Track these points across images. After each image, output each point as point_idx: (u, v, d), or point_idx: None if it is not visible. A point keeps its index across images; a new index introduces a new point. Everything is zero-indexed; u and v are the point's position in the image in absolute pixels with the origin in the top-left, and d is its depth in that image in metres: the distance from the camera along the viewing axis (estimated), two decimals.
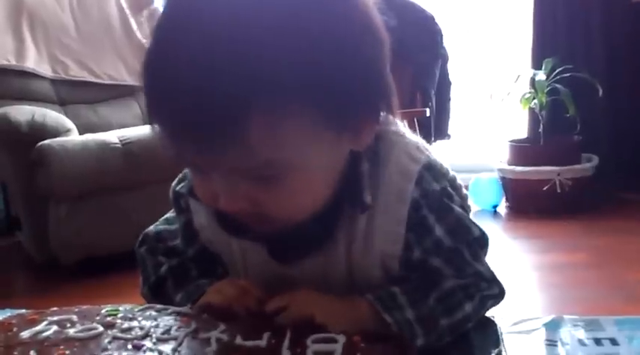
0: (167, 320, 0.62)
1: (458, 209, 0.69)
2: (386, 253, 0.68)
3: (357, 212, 0.65)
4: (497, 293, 0.70)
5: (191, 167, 0.62)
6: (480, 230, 0.70)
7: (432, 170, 0.68)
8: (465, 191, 0.77)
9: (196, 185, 0.63)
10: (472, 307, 0.66)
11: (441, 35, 3.22)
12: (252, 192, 0.58)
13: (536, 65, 3.17)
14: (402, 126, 0.71)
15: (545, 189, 2.96)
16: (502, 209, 3.22)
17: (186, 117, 0.54)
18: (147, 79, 0.57)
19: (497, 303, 0.71)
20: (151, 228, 0.80)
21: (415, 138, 0.71)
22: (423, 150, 0.70)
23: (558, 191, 2.95)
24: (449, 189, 0.70)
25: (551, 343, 0.69)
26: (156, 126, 0.59)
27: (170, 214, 0.80)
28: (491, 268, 0.70)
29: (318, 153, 0.59)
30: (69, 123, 2.71)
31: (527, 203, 3.07)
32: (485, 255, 0.71)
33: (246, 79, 0.52)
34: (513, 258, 2.46)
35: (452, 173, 0.74)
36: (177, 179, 0.77)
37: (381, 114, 0.63)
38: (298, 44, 0.53)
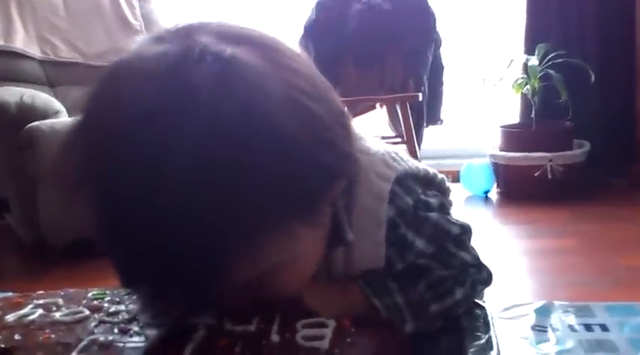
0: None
1: (434, 215, 0.67)
2: (368, 270, 0.66)
3: (337, 248, 0.64)
4: (485, 278, 0.69)
5: None
6: (460, 226, 0.68)
7: (403, 183, 0.67)
8: (447, 184, 0.75)
9: None
10: (463, 292, 0.66)
11: (435, 19, 3.20)
12: (244, 290, 0.54)
13: (529, 50, 3.16)
14: (365, 139, 0.68)
15: (536, 174, 2.96)
16: (493, 194, 3.22)
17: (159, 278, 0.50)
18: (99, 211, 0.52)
19: (487, 287, 0.70)
20: None
21: (381, 148, 0.68)
22: (391, 162, 0.67)
23: (550, 177, 2.95)
24: (422, 197, 0.68)
25: (542, 329, 0.69)
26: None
27: None
28: (477, 253, 0.70)
29: (305, 244, 0.56)
30: (58, 105, 2.68)
31: (519, 189, 3.07)
32: (469, 241, 0.70)
33: (216, 232, 0.47)
34: (504, 243, 2.47)
35: (425, 170, 0.71)
36: None
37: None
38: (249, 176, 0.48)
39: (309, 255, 0.59)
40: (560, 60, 2.96)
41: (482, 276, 0.68)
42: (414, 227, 0.66)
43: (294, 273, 0.58)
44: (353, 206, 0.63)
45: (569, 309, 0.73)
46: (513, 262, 2.26)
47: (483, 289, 0.70)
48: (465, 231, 0.69)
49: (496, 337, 0.57)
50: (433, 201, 0.69)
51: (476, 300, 0.66)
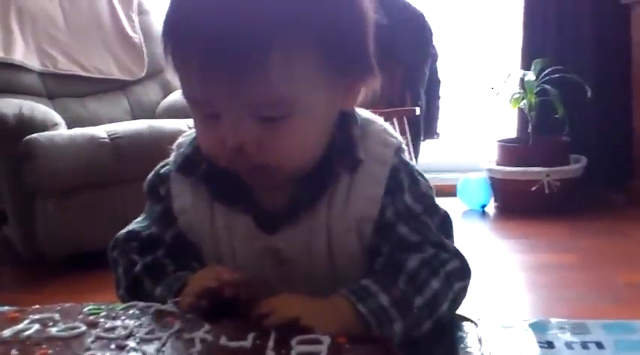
0: (150, 320, 0.62)
1: (425, 184, 0.75)
2: (362, 217, 0.72)
3: (347, 170, 0.71)
4: (459, 267, 0.71)
5: (204, 113, 0.67)
6: (445, 211, 0.76)
7: (403, 149, 0.77)
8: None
9: (203, 137, 0.69)
10: (439, 283, 0.68)
11: (431, 34, 3.22)
12: (257, 131, 0.64)
13: (526, 65, 3.18)
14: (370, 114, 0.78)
15: (533, 189, 2.97)
16: (490, 209, 3.23)
17: (212, 48, 0.61)
18: (172, 19, 0.65)
19: (466, 283, 0.72)
20: (121, 231, 0.80)
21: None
22: (394, 134, 0.77)
23: (547, 191, 2.96)
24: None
25: (540, 345, 0.69)
26: (178, 72, 0.67)
27: (140, 217, 0.81)
28: (454, 243, 0.74)
29: (318, 98, 0.66)
30: (57, 117, 2.69)
31: (516, 203, 3.08)
32: (450, 231, 0.76)
33: (269, 17, 0.60)
34: (501, 258, 2.47)
35: None
36: (153, 171, 0.80)
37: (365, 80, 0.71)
38: None
39: (316, 124, 0.67)
40: (557, 75, 2.97)
41: (454, 265, 0.70)
42: (410, 179, 0.73)
43: (301, 129, 0.65)
44: (363, 145, 0.71)
45: (566, 326, 0.74)
46: (510, 277, 2.25)
47: (463, 286, 0.71)
48: (449, 216, 0.76)
49: (489, 354, 0.57)
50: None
51: (470, 318, 0.66)
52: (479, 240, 2.67)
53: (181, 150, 0.76)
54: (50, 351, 0.56)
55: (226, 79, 0.62)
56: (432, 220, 0.73)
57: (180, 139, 0.78)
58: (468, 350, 0.59)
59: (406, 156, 0.76)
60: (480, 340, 0.60)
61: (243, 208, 0.73)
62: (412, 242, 0.71)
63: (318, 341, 0.55)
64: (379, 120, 0.77)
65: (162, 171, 0.78)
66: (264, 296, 0.65)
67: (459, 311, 0.72)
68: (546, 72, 3.01)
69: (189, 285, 0.69)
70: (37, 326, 0.62)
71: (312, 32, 0.63)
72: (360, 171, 0.71)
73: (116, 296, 0.78)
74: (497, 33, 3.59)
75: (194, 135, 0.75)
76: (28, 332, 0.60)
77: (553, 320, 0.75)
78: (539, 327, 0.73)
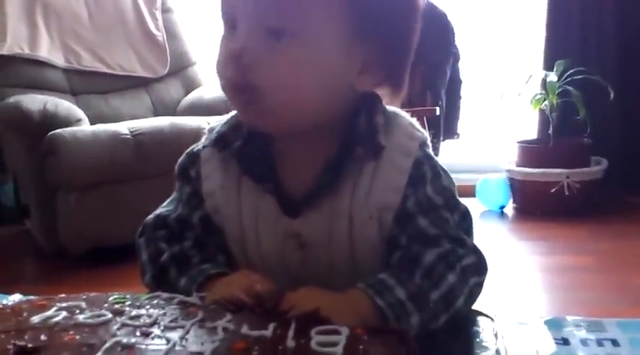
0: (174, 309, 0.63)
1: (447, 180, 0.77)
2: (384, 205, 0.73)
3: (370, 156, 0.72)
4: (476, 263, 0.72)
5: (226, 28, 0.71)
6: (466, 206, 0.78)
7: (427, 144, 0.78)
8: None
9: (219, 54, 0.71)
10: (455, 277, 0.69)
11: (454, 33, 3.21)
12: (260, 44, 0.67)
13: (548, 66, 3.16)
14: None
15: (553, 191, 2.96)
16: (509, 210, 3.22)
17: None
18: None
19: (481, 278, 0.72)
20: (149, 216, 0.82)
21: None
22: (420, 128, 0.78)
23: (566, 193, 2.94)
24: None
25: (555, 342, 0.70)
26: None
27: (168, 199, 0.83)
28: (472, 239, 0.76)
29: (328, 40, 0.68)
30: (80, 113, 2.73)
31: (535, 205, 3.06)
32: (470, 227, 0.78)
33: None
34: (519, 259, 2.46)
35: None
36: (185, 153, 0.82)
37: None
38: None
39: (318, 58, 0.68)
40: (579, 76, 2.95)
41: (471, 260, 0.71)
42: (433, 172, 0.75)
43: (304, 58, 0.67)
44: (388, 136, 0.73)
45: (581, 324, 0.74)
46: (528, 278, 2.25)
47: (479, 281, 0.72)
48: (469, 213, 0.77)
49: (505, 349, 0.58)
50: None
51: (486, 313, 0.67)
52: (497, 240, 2.66)
53: (215, 129, 0.78)
54: (77, 337, 0.58)
55: None
56: (451, 215, 0.74)
57: (212, 124, 0.80)
58: (484, 344, 0.60)
59: (430, 150, 0.77)
60: (495, 335, 0.61)
61: (269, 188, 0.75)
62: (430, 235, 0.72)
63: (337, 332, 0.56)
64: (406, 115, 0.79)
65: (194, 150, 0.81)
66: (285, 288, 0.66)
67: (475, 307, 0.73)
68: (569, 73, 2.99)
69: (219, 285, 0.69)
70: (64, 314, 0.63)
71: None
72: (384, 161, 0.73)
73: (136, 289, 0.79)
74: (519, 33, 3.58)
75: (230, 116, 0.78)
76: (55, 319, 0.62)
77: (569, 318, 0.75)
78: (555, 324, 0.74)
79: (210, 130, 0.79)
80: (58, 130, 2.50)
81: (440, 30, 3.13)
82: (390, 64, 0.73)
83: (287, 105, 0.69)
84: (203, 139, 0.80)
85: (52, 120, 2.55)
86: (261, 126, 0.72)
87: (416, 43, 0.75)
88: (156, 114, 3.10)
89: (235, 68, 0.68)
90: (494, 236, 2.75)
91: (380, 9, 0.70)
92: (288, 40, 0.67)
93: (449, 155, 3.35)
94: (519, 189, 3.13)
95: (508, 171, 3.16)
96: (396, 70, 0.74)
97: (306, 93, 0.69)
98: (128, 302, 0.66)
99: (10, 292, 0.85)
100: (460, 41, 3.25)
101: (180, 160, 0.82)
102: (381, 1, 0.71)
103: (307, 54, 0.67)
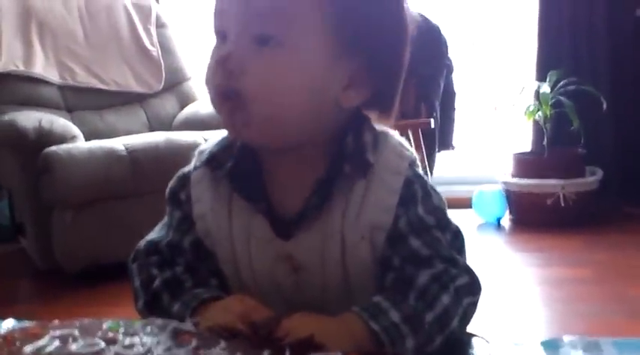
0: (168, 337, 0.63)
1: (437, 199, 0.76)
2: (376, 225, 0.73)
3: (358, 173, 0.72)
4: (469, 283, 0.71)
5: (218, 38, 0.73)
6: (457, 226, 0.77)
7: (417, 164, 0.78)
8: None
9: (209, 63, 0.72)
10: (449, 298, 0.68)
11: (447, 46, 3.23)
12: (247, 51, 0.68)
13: (541, 77, 3.18)
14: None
15: (549, 202, 2.96)
16: (506, 222, 3.22)
17: None
18: None
19: (475, 298, 0.72)
20: (141, 242, 0.82)
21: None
22: (409, 148, 0.78)
23: (562, 204, 2.95)
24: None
25: None
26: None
27: (160, 224, 0.83)
28: (465, 259, 0.75)
29: (314, 51, 0.69)
30: (75, 130, 2.72)
31: (531, 216, 3.07)
32: (462, 247, 0.77)
33: None
34: (516, 271, 2.46)
35: None
36: (174, 177, 0.82)
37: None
38: None
39: (303, 67, 0.69)
40: (572, 87, 2.97)
41: (464, 281, 0.71)
42: (424, 192, 0.74)
43: (281, 67, 0.68)
44: (377, 155, 0.74)
45: (578, 345, 0.74)
46: (526, 291, 2.25)
47: (472, 301, 0.71)
48: (461, 233, 0.77)
49: None
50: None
51: (482, 336, 0.67)
52: (494, 252, 2.66)
53: (206, 151, 0.78)
54: None
55: None
56: (443, 235, 0.74)
57: (202, 146, 0.80)
58: None
59: (420, 170, 0.77)
60: None
61: (261, 207, 0.74)
62: (423, 256, 0.71)
63: None
64: (395, 134, 0.79)
65: (184, 173, 0.81)
66: (280, 312, 0.66)
67: (471, 328, 0.73)
68: (561, 84, 3.01)
69: (213, 310, 0.69)
70: (57, 343, 0.63)
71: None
72: (374, 180, 0.73)
73: (132, 309, 0.79)
74: (512, 45, 3.60)
75: (221, 138, 0.78)
76: (49, 349, 0.61)
77: (565, 339, 0.75)
78: (551, 345, 0.73)
79: (201, 152, 0.79)
80: (52, 147, 2.49)
81: (433, 43, 3.15)
82: (377, 80, 0.73)
83: (272, 113, 0.69)
84: (193, 161, 0.80)
85: (47, 138, 2.54)
86: (247, 137, 0.73)
87: (406, 62, 0.75)
88: (151, 129, 3.10)
89: (222, 73, 0.69)
90: (491, 248, 2.75)
91: (368, 24, 0.71)
92: (274, 47, 0.68)
93: (444, 167, 3.35)
94: (515, 200, 3.14)
95: (504, 182, 3.16)
96: (384, 87, 0.75)
97: (291, 101, 0.69)
98: (122, 330, 0.66)
99: (4, 315, 0.84)
100: (453, 53, 3.27)
101: (170, 184, 0.82)
102: (368, 17, 0.71)
103: (292, 62, 0.69)
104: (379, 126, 0.78)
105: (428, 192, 0.75)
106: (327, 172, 0.73)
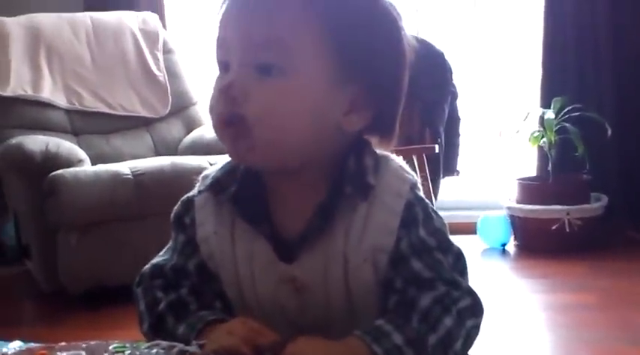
0: None
1: (439, 221, 0.77)
2: (378, 247, 0.73)
3: (359, 195, 0.73)
4: (472, 305, 0.72)
5: (220, 67, 0.75)
6: (458, 248, 0.77)
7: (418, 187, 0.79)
8: None
9: (212, 93, 0.74)
10: (452, 321, 0.69)
11: (451, 72, 3.25)
12: (250, 78, 0.70)
13: (545, 104, 3.19)
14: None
15: (554, 228, 2.95)
16: (511, 247, 3.20)
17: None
18: None
19: (478, 321, 0.73)
20: (146, 266, 0.82)
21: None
22: (410, 171, 0.80)
23: (567, 230, 2.94)
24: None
25: None
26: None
27: (165, 248, 0.84)
28: (468, 281, 0.76)
29: (317, 79, 0.71)
30: (82, 154, 2.74)
31: (536, 242, 3.05)
32: (464, 269, 0.77)
33: None
34: (522, 297, 2.45)
35: None
36: (179, 202, 0.83)
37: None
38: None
39: (304, 95, 0.71)
40: (577, 113, 2.97)
41: (466, 303, 0.71)
42: (425, 214, 0.75)
43: (283, 95, 0.70)
44: (379, 178, 0.75)
45: None
46: (531, 317, 2.24)
47: (475, 323, 0.71)
48: (463, 254, 0.77)
49: None
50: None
51: None
52: (499, 278, 2.65)
53: (210, 175, 0.79)
54: None
55: (237, 15, 0.72)
56: (445, 257, 0.75)
57: (206, 171, 0.81)
58: None
59: (421, 193, 0.78)
60: None
61: (264, 230, 0.75)
62: (425, 278, 0.72)
63: None
64: (396, 157, 0.80)
65: (188, 197, 0.82)
66: (284, 335, 0.66)
67: (475, 354, 0.73)
68: (566, 110, 3.01)
69: (218, 333, 0.70)
70: None
71: (326, 18, 0.71)
72: (376, 203, 0.74)
73: (138, 331, 0.80)
74: (516, 71, 3.62)
75: (224, 162, 0.80)
76: None
77: None
78: None
79: (205, 177, 0.81)
80: (59, 171, 2.51)
81: (437, 69, 3.17)
82: (378, 104, 0.75)
83: (275, 137, 0.70)
84: (197, 186, 0.81)
85: (53, 161, 2.56)
86: (251, 161, 0.74)
87: (406, 86, 0.77)
88: (157, 153, 3.12)
89: (225, 101, 0.71)
90: (496, 274, 2.73)
91: (367, 51, 0.72)
92: (275, 75, 0.70)
93: (449, 192, 3.35)
94: (520, 226, 3.13)
95: (508, 208, 3.15)
96: (385, 111, 0.76)
97: (293, 126, 0.71)
98: (128, 351, 0.66)
99: (10, 337, 0.84)
100: (458, 79, 3.29)
101: (175, 209, 0.83)
102: (368, 43, 0.73)
103: (294, 88, 0.70)
104: (380, 151, 0.79)
105: (429, 214, 0.76)
106: (328, 195, 0.74)
